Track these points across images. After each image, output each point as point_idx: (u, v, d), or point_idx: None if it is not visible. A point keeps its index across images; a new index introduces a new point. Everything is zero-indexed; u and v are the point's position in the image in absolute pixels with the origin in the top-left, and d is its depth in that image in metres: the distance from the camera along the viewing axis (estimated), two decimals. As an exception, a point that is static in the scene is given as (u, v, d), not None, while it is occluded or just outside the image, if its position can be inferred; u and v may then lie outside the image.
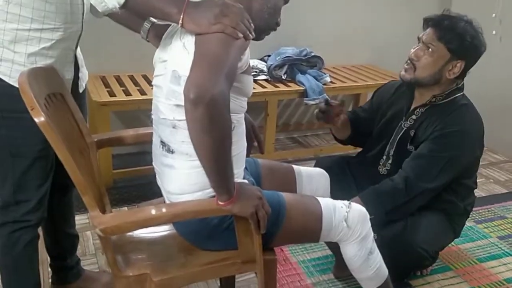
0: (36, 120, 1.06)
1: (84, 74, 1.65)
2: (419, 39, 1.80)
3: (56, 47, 1.43)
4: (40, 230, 1.60)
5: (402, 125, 1.88)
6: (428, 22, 1.77)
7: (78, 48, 1.62)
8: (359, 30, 3.59)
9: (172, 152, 1.27)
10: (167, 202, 1.36)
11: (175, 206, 1.22)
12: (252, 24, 1.20)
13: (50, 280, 1.90)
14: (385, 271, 1.56)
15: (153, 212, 1.18)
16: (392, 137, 1.89)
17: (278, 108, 3.49)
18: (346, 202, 1.50)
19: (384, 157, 1.91)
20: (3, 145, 1.43)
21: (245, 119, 1.67)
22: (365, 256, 1.50)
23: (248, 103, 3.11)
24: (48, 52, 1.42)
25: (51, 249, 1.83)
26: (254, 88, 2.85)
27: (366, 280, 1.55)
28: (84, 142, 1.47)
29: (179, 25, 1.15)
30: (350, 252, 1.50)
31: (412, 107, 1.87)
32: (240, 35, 1.14)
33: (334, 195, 1.73)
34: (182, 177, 1.26)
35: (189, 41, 1.17)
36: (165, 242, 1.47)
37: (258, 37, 1.40)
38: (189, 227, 1.35)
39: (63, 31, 1.42)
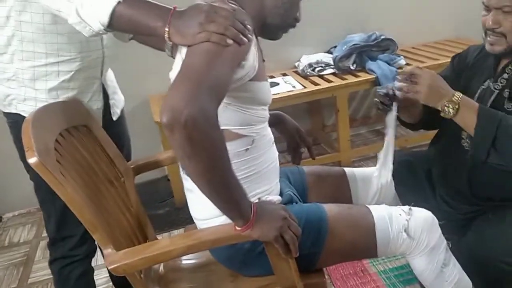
0: (28, 161, 1.01)
1: (117, 100, 1.61)
2: (486, 6, 1.49)
3: (77, 77, 1.40)
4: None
5: (492, 87, 1.56)
6: None
7: (109, 75, 1.58)
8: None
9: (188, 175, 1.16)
10: (198, 228, 1.25)
11: (191, 237, 1.11)
12: (248, 26, 1.04)
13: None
14: (467, 285, 1.30)
15: (165, 246, 1.07)
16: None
17: (354, 101, 3.27)
18: (406, 208, 1.27)
19: None
20: (41, 184, 1.43)
21: (289, 124, 1.53)
22: (438, 269, 1.26)
23: (317, 101, 2.99)
24: (69, 84, 1.40)
25: (114, 278, 1.83)
26: (319, 84, 2.70)
27: (445, 297, 1.31)
28: (116, 171, 1.42)
29: (166, 39, 1.04)
30: (419, 266, 1.27)
31: (501, 66, 1.55)
32: (230, 41, 0.99)
33: (403, 197, 1.50)
34: (202, 201, 1.13)
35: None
36: (209, 267, 1.37)
37: (275, 36, 1.25)
38: (223, 253, 1.24)
39: (80, 60, 1.39)
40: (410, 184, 1.60)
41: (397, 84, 1.46)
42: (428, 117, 1.68)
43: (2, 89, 1.40)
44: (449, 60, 2.68)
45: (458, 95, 1.37)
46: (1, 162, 2.74)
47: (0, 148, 2.64)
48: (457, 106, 1.35)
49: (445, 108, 1.35)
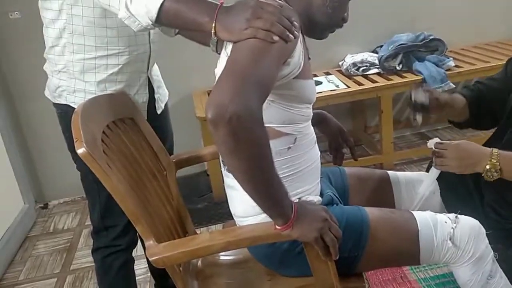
0: (77, 151, 1.04)
1: (162, 95, 1.63)
2: None
3: (124, 71, 1.43)
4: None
5: None
6: None
7: (155, 69, 1.61)
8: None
9: (230, 172, 1.16)
10: (237, 225, 1.25)
11: (230, 233, 1.11)
12: (295, 22, 1.02)
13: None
14: (514, 298, 1.25)
15: (205, 241, 1.08)
16: None
17: (399, 103, 3.20)
18: (452, 215, 1.23)
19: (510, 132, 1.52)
20: (87, 173, 1.47)
21: (331, 123, 1.51)
22: (483, 280, 1.21)
23: (360, 101, 2.94)
24: (116, 77, 1.42)
25: (153, 269, 1.86)
26: (363, 84, 2.65)
27: (489, 309, 1.25)
28: (159, 164, 1.44)
29: (213, 35, 1.04)
30: (464, 277, 1.23)
31: None
32: (276, 38, 0.98)
33: (450, 205, 1.45)
34: (242, 198, 1.14)
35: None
36: (247, 264, 1.37)
37: (321, 35, 1.23)
38: (261, 251, 1.23)
39: (128, 54, 1.41)
40: (457, 190, 1.54)
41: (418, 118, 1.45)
42: (475, 118, 1.62)
43: (53, 81, 1.45)
44: (501, 62, 2.58)
45: (495, 154, 1.30)
46: (49, 151, 2.85)
47: (49, 137, 2.76)
48: (499, 167, 1.30)
49: (488, 173, 1.31)
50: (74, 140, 1.06)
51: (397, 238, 1.19)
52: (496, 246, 1.45)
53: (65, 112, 1.43)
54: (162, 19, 1.10)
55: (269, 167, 0.96)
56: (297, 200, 1.11)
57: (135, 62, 1.44)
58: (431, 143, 1.40)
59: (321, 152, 1.30)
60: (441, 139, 1.42)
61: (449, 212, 1.37)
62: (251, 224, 1.14)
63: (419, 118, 1.49)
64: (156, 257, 1.07)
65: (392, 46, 2.78)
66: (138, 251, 2.16)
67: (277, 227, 1.03)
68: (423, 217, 1.21)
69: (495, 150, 1.31)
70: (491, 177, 1.31)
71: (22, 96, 2.79)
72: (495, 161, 1.30)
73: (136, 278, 1.70)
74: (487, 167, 1.30)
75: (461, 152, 1.33)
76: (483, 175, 1.32)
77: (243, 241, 1.09)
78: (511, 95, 1.53)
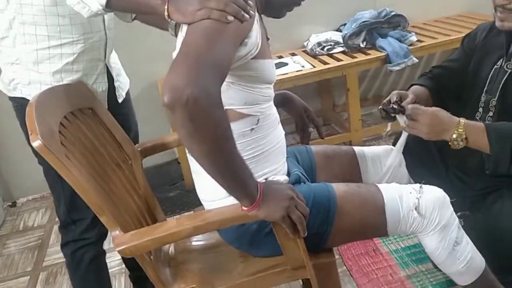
0: (32, 144, 1.01)
1: (122, 83, 1.59)
2: None
3: (80, 60, 1.39)
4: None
5: (505, 67, 1.51)
6: None
7: (113, 58, 1.57)
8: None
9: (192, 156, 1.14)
10: (205, 209, 1.24)
11: (197, 218, 1.10)
12: (250, 1, 1.01)
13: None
14: (480, 263, 1.28)
15: (172, 227, 1.06)
16: (490, 84, 1.53)
17: (365, 80, 3.22)
18: (416, 186, 1.25)
19: (481, 109, 1.54)
20: (49, 168, 1.43)
21: (296, 103, 1.51)
22: (449, 247, 1.24)
23: (327, 80, 2.95)
24: (72, 67, 1.39)
25: (126, 261, 1.84)
26: (328, 63, 2.65)
27: (457, 275, 1.29)
28: (123, 154, 1.42)
29: (166, 17, 1.01)
30: (431, 245, 1.25)
31: None
32: (231, 17, 0.96)
33: (415, 175, 1.48)
34: (208, 182, 1.12)
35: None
36: (219, 248, 1.37)
37: (278, 14, 1.22)
38: (231, 234, 1.23)
39: (83, 42, 1.37)
40: (422, 160, 1.57)
41: (400, 120, 1.43)
42: (439, 105, 1.65)
43: (7, 74, 1.40)
44: (461, 35, 2.62)
45: (461, 124, 1.33)
46: (13, 148, 2.77)
47: (11, 133, 2.67)
48: (464, 137, 1.32)
49: (454, 142, 1.33)
50: (29, 133, 1.03)
51: (364, 211, 1.20)
52: (464, 213, 1.49)
53: (21, 105, 1.38)
54: (112, 4, 1.07)
55: (231, 148, 0.95)
56: (263, 181, 1.11)
57: (91, 50, 1.41)
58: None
59: (288, 133, 1.29)
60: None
61: (415, 182, 1.39)
62: (218, 208, 1.13)
63: (389, 126, 1.51)
64: (123, 247, 1.05)
65: (355, 24, 2.78)
66: (111, 243, 2.14)
67: (244, 208, 1.03)
68: (388, 190, 1.23)
69: (462, 119, 1.34)
70: (457, 145, 1.33)
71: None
72: (461, 130, 1.32)
73: (111, 270, 1.68)
74: (454, 136, 1.32)
75: (434, 119, 1.35)
76: (449, 143, 1.34)
77: (211, 224, 1.08)
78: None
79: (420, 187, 1.24)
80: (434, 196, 1.23)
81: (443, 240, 1.23)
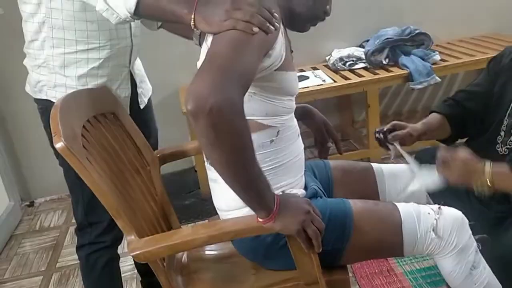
0: (55, 145, 1.02)
1: (145, 89, 1.61)
2: None
3: (106, 65, 1.41)
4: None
5: None
6: None
7: (137, 64, 1.59)
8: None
9: (211, 165, 1.15)
10: (220, 219, 1.24)
11: (212, 227, 1.10)
12: (276, 14, 1.01)
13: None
14: (497, 288, 1.25)
15: (187, 235, 1.07)
16: None
17: (386, 97, 3.21)
18: (435, 206, 1.23)
19: (503, 133, 1.52)
20: (69, 169, 1.45)
21: (316, 117, 1.50)
22: (466, 271, 1.21)
23: (347, 96, 2.94)
24: (98, 72, 1.41)
25: (139, 266, 1.85)
26: (349, 79, 2.65)
27: (473, 300, 1.26)
28: (142, 159, 1.43)
29: (192, 26, 1.03)
30: (447, 268, 1.23)
31: None
32: (256, 29, 0.97)
33: (435, 197, 1.45)
34: (225, 191, 1.13)
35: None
36: (232, 259, 1.36)
37: (302, 28, 1.23)
38: (245, 245, 1.22)
39: (109, 48, 1.40)
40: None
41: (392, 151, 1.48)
42: (460, 132, 1.64)
43: (34, 76, 1.43)
44: (485, 56, 2.59)
45: (488, 172, 1.32)
46: (35, 148, 2.82)
47: (34, 134, 2.72)
48: (492, 186, 1.31)
49: (479, 188, 1.32)
50: (53, 135, 1.05)
51: (381, 230, 1.18)
52: (482, 237, 1.46)
53: (46, 107, 1.41)
54: (140, 11, 1.09)
55: (251, 159, 0.95)
56: (280, 193, 1.11)
57: (116, 56, 1.43)
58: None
59: (307, 147, 1.29)
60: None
61: (434, 202, 1.37)
62: (234, 218, 1.13)
63: (393, 149, 1.51)
64: (137, 252, 1.06)
65: (378, 40, 2.78)
66: (124, 248, 2.15)
67: (260, 219, 1.03)
68: (406, 209, 1.21)
69: (487, 166, 1.33)
70: (483, 193, 1.32)
71: (6, 93, 2.75)
72: (486, 179, 1.31)
73: (123, 275, 1.69)
74: (479, 182, 1.32)
75: (465, 168, 1.35)
76: (474, 190, 1.33)
77: (226, 234, 1.08)
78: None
79: (439, 208, 1.22)
80: (452, 218, 1.21)
81: (460, 263, 1.21)
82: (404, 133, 1.54)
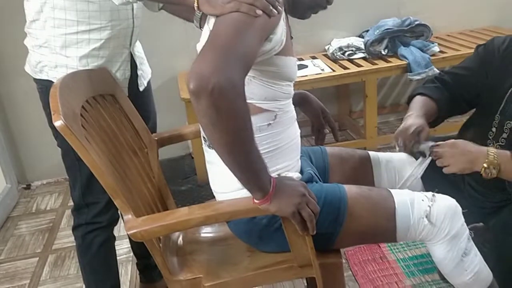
0: (54, 123, 1.03)
1: (144, 71, 1.62)
2: None
3: (106, 46, 1.42)
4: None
5: None
6: None
7: (138, 46, 1.59)
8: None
9: (210, 147, 1.16)
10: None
11: (209, 207, 1.11)
12: None
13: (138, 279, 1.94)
14: (487, 276, 1.27)
15: (184, 214, 1.08)
16: (506, 106, 1.51)
17: (384, 88, 3.22)
18: (429, 193, 1.25)
19: (494, 129, 1.52)
20: (68, 150, 1.46)
21: (313, 103, 1.51)
22: (458, 258, 1.23)
23: (345, 85, 2.95)
24: (99, 53, 1.41)
25: (135, 248, 1.86)
26: (348, 68, 2.65)
27: (463, 286, 1.28)
28: (140, 142, 1.44)
29: (195, 8, 1.03)
30: (439, 254, 1.25)
31: None
32: (259, 12, 0.97)
33: (430, 184, 1.47)
34: (222, 173, 1.14)
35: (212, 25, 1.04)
36: (227, 241, 1.38)
37: (303, 15, 1.23)
38: (241, 227, 1.24)
39: (110, 29, 1.40)
40: (437, 168, 1.56)
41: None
42: (446, 113, 1.63)
43: (34, 56, 1.43)
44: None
45: (492, 152, 1.31)
46: (32, 131, 2.82)
47: (31, 117, 2.73)
48: (498, 166, 1.30)
49: (487, 170, 1.31)
50: (52, 113, 1.05)
51: (375, 215, 1.20)
52: (474, 225, 1.48)
53: (46, 87, 1.41)
54: None
55: (250, 140, 0.96)
56: (276, 176, 1.12)
57: (117, 37, 1.43)
58: (424, 148, 1.39)
59: (304, 136, 1.30)
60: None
61: (430, 188, 1.39)
62: (230, 199, 1.14)
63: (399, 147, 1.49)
64: (134, 231, 1.07)
65: (378, 31, 2.78)
66: (121, 231, 2.18)
67: (256, 201, 1.04)
68: (400, 195, 1.23)
69: (492, 149, 1.33)
70: (490, 174, 1.31)
71: (3, 73, 2.74)
72: (493, 158, 1.30)
73: (119, 257, 1.70)
74: (485, 164, 1.31)
75: (458, 148, 1.34)
76: (481, 173, 1.32)
77: (222, 215, 1.10)
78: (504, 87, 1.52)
79: (433, 195, 1.24)
80: (446, 205, 1.22)
81: (452, 250, 1.23)
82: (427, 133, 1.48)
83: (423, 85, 1.68)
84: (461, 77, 1.61)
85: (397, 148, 1.46)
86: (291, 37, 1.21)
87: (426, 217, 1.20)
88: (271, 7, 1.00)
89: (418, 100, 1.59)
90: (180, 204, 2.47)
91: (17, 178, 2.93)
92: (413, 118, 1.49)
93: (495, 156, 1.31)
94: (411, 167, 1.44)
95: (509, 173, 1.32)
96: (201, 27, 1.22)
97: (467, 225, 1.27)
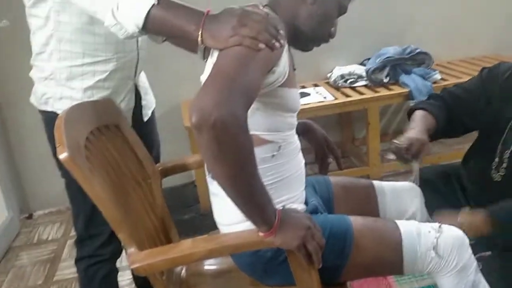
0: (59, 156, 1.03)
1: (149, 102, 1.63)
2: None
3: (112, 77, 1.43)
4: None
5: None
6: None
7: (142, 77, 1.61)
8: (476, 13, 3.13)
9: (214, 178, 1.16)
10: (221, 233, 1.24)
11: (212, 241, 1.10)
12: (281, 31, 1.03)
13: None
14: (497, 308, 1.25)
15: (187, 248, 1.07)
16: (508, 135, 1.51)
17: (386, 115, 3.22)
18: (435, 225, 1.23)
19: (497, 159, 1.53)
20: (72, 181, 1.45)
21: (316, 132, 1.51)
22: (467, 291, 1.21)
23: (348, 113, 2.96)
24: (104, 84, 1.42)
25: (138, 280, 1.84)
26: (350, 96, 2.66)
27: (473, 320, 1.25)
28: (144, 172, 1.43)
29: (200, 42, 1.04)
30: (447, 287, 1.22)
31: None
32: (262, 45, 0.98)
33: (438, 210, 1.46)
34: (226, 205, 1.13)
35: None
36: (231, 274, 1.36)
37: (305, 47, 1.24)
38: (245, 260, 1.22)
39: (116, 61, 1.41)
40: (445, 198, 1.55)
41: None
42: (444, 129, 1.62)
43: (40, 88, 1.44)
44: (486, 77, 2.59)
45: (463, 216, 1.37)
46: (35, 160, 2.82)
47: (35, 146, 2.73)
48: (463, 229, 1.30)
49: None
50: (57, 145, 1.05)
51: (381, 247, 1.18)
52: (481, 255, 1.46)
53: (51, 118, 1.41)
54: (148, 27, 1.10)
55: (253, 173, 0.96)
56: (281, 208, 1.11)
57: (123, 68, 1.44)
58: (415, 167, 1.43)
59: (307, 164, 1.30)
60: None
61: (431, 214, 1.38)
62: (235, 232, 1.13)
63: (392, 156, 1.51)
64: (138, 265, 1.06)
65: (379, 58, 2.80)
66: (123, 262, 2.14)
67: (260, 234, 1.03)
68: (407, 227, 1.22)
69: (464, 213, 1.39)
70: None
71: (8, 103, 2.76)
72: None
73: (120, 289, 1.68)
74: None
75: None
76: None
77: (226, 248, 1.09)
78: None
79: (439, 226, 1.22)
80: (453, 236, 1.21)
81: (460, 282, 1.20)
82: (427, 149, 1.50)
83: (426, 100, 1.69)
84: (462, 101, 1.63)
85: (391, 156, 1.48)
86: (294, 69, 1.22)
87: (433, 249, 1.18)
88: (273, 41, 1.01)
89: (421, 115, 1.60)
90: (183, 234, 2.45)
91: (19, 208, 2.91)
92: (416, 132, 1.50)
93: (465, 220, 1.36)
94: (415, 196, 1.44)
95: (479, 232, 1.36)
96: (204, 58, 1.23)
97: (474, 254, 1.25)
